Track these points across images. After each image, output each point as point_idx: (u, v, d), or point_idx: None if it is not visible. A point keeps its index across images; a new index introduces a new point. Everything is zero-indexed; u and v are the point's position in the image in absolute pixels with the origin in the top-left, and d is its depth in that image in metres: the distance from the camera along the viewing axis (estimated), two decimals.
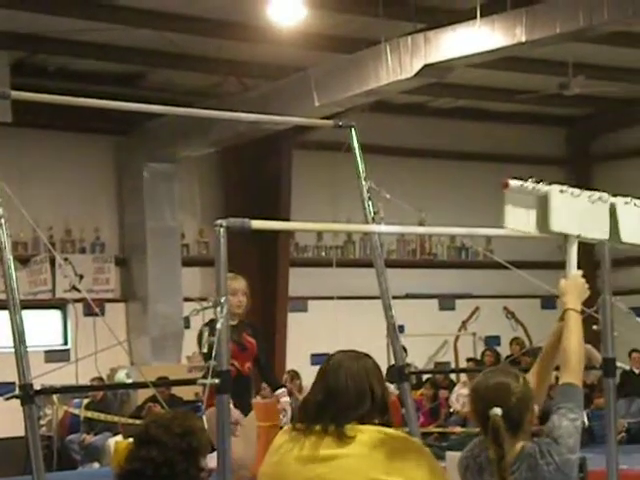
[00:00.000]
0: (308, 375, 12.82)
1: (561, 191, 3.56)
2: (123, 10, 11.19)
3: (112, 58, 12.71)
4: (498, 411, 2.98)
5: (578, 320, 3.33)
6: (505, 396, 3.06)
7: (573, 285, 3.45)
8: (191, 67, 13.04)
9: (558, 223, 3.55)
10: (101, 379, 12.68)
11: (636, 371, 13.80)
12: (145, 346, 13.93)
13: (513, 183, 3.51)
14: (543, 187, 3.57)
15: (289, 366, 14.66)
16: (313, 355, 14.40)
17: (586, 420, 11.78)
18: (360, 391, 2.80)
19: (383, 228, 6.19)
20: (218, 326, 4.27)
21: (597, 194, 3.66)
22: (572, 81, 12.83)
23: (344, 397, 2.79)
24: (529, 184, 3.52)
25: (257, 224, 4.63)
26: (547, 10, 10.29)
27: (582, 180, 17.03)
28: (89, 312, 12.18)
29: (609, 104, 16.13)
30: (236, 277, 6.40)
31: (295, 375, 13.40)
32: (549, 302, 14.96)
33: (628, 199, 3.70)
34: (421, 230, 5.52)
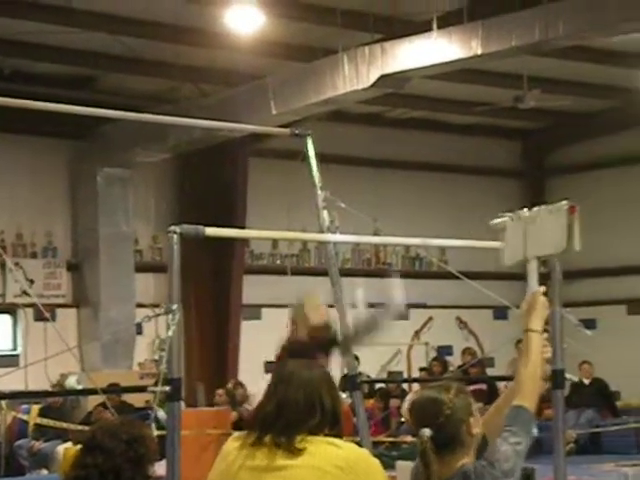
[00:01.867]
0: (261, 383, 12.80)
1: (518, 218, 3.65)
2: (79, 13, 11.10)
3: (68, 61, 12.60)
4: (426, 432, 3.01)
5: (538, 341, 3.30)
6: (434, 414, 3.06)
7: (533, 304, 3.41)
8: (148, 72, 12.98)
9: (510, 257, 3.74)
10: (61, 386, 12.56)
11: (586, 382, 13.95)
12: (96, 352, 13.80)
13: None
14: (502, 220, 3.67)
15: (242, 374, 14.62)
16: (267, 363, 14.37)
17: (536, 431, 11.86)
18: (310, 403, 2.79)
19: (337, 237, 6.20)
20: (169, 333, 4.24)
21: (551, 207, 3.69)
22: (527, 94, 12.95)
23: (294, 409, 2.79)
24: (499, 219, 3.64)
25: (211, 231, 4.61)
26: (503, 23, 10.39)
27: (536, 193, 17.24)
28: (40, 317, 12.07)
29: (564, 118, 16.32)
30: None
31: (238, 384, 13.37)
32: (501, 312, 15.09)
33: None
34: (375, 240, 5.53)
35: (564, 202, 3.66)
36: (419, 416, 3.10)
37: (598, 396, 13.99)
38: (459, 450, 3.05)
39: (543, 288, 3.47)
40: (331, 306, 6.40)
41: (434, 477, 2.95)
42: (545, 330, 3.51)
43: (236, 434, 2.94)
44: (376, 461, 2.82)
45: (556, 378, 5.45)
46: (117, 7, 11.18)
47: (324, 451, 2.76)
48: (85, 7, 11.05)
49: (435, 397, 3.10)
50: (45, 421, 12.42)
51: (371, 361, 14.62)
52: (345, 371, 6.40)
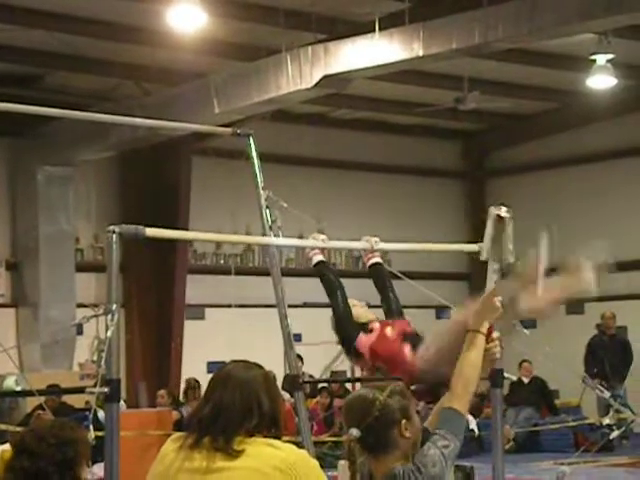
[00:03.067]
0: (204, 382, 12.74)
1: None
2: (18, 10, 10.96)
3: (8, 59, 12.43)
4: (354, 432, 3.02)
5: (476, 342, 3.28)
6: (363, 415, 3.06)
7: (481, 304, 3.40)
8: (89, 70, 12.86)
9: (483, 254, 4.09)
10: None
11: (525, 380, 14.13)
12: (35, 352, 13.63)
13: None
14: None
15: (185, 373, 14.55)
16: (209, 363, 14.32)
17: (476, 429, 12.00)
18: (247, 405, 2.79)
19: (280, 241, 6.19)
20: (108, 334, 4.21)
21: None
22: (468, 96, 13.09)
23: (231, 411, 2.78)
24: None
25: (151, 232, 4.58)
26: (444, 25, 10.49)
27: (477, 194, 17.43)
28: None
29: (504, 119, 16.52)
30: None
31: (195, 384, 13.23)
32: (444, 312, 15.21)
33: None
34: (319, 244, 5.51)
35: (493, 210, 3.71)
36: (349, 416, 3.11)
37: (537, 394, 14.18)
38: (391, 452, 3.06)
39: (494, 287, 3.47)
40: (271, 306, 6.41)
41: (357, 474, 2.98)
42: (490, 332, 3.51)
43: (174, 435, 2.93)
44: (315, 462, 2.82)
45: (495, 377, 5.52)
46: (56, 4, 11.05)
47: (263, 452, 2.76)
48: (24, 4, 10.90)
49: (365, 397, 3.10)
50: None
51: (314, 360, 14.66)
52: (287, 371, 6.42)
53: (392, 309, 5.06)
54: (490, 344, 3.38)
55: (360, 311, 5.01)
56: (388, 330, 4.76)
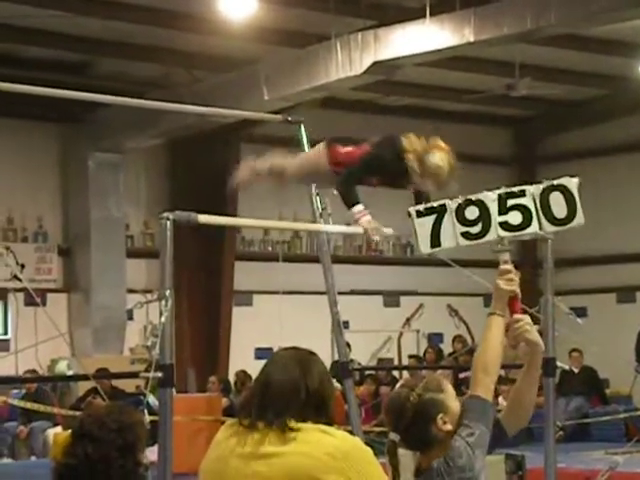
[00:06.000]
0: (252, 369, 12.80)
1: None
2: None
3: (60, 46, 12.54)
4: (393, 437, 3.05)
5: (494, 326, 3.23)
6: (398, 418, 3.10)
7: (495, 287, 3.34)
8: (141, 57, 12.93)
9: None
10: (35, 371, 12.53)
11: (575, 370, 14.00)
12: (87, 337, 13.80)
13: None
14: None
15: (232, 360, 14.63)
16: (257, 349, 14.39)
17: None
18: (293, 383, 2.80)
19: (332, 227, 6.18)
20: (162, 319, 4.24)
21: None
22: (519, 82, 12.96)
23: (278, 389, 2.80)
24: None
25: (204, 218, 4.60)
26: (495, 11, 10.39)
27: (527, 181, 17.19)
28: (30, 302, 12.05)
29: (555, 106, 16.33)
30: None
31: (244, 377, 13.28)
32: (491, 300, 15.12)
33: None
34: (361, 230, 5.47)
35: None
36: (387, 419, 3.17)
37: (587, 384, 14.05)
38: (434, 447, 3.07)
39: (507, 267, 3.31)
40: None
41: (399, 477, 3.01)
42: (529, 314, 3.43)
43: (228, 422, 2.94)
44: (369, 449, 2.81)
45: (547, 366, 5.48)
46: None
47: (316, 439, 2.75)
48: None
49: (397, 399, 3.13)
50: (36, 406, 12.40)
51: (362, 348, 14.66)
52: (335, 358, 6.41)
53: None
54: (516, 323, 3.29)
55: None
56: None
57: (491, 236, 3.38)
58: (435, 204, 3.45)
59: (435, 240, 3.45)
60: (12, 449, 12.71)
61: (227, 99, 11.61)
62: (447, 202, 3.43)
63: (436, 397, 3.10)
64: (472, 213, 3.39)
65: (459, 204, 3.41)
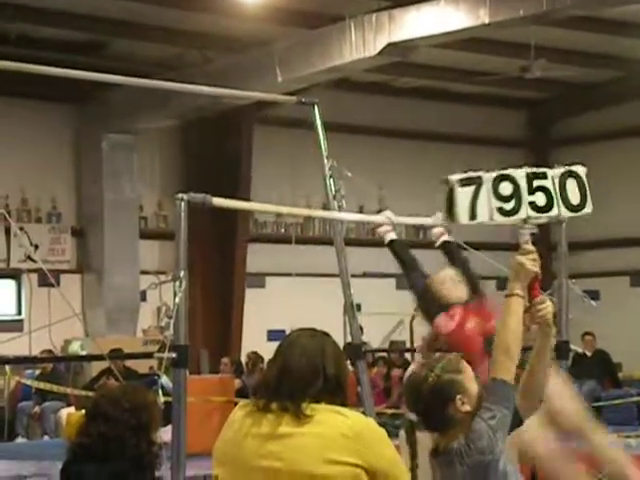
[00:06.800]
0: (264, 351, 12.82)
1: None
2: None
3: (73, 26, 12.53)
4: (411, 417, 3.05)
5: (513, 307, 3.22)
6: (416, 399, 3.12)
7: (512, 268, 3.33)
8: (152, 38, 12.91)
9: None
10: (51, 351, 12.58)
11: (588, 353, 13.97)
12: (100, 318, 13.85)
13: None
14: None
15: (245, 341, 14.66)
16: (270, 331, 14.40)
17: None
18: (312, 369, 2.80)
19: (343, 215, 6.17)
20: (176, 300, 4.24)
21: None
22: (534, 64, 12.88)
23: (297, 375, 2.80)
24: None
25: (218, 201, 4.61)
26: None
27: (541, 163, 17.12)
28: (44, 282, 12.08)
29: (570, 88, 16.24)
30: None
31: (256, 358, 13.29)
32: (504, 283, 15.07)
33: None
34: (380, 219, 5.48)
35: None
36: (406, 399, 3.19)
37: (600, 367, 14.01)
38: (453, 427, 3.07)
39: (520, 251, 3.30)
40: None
41: (417, 455, 3.02)
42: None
43: (243, 402, 2.95)
44: (382, 430, 2.82)
45: (561, 349, 5.47)
46: None
47: (330, 419, 2.76)
48: None
49: (416, 379, 3.14)
50: (49, 386, 12.47)
51: (374, 331, 14.66)
52: (348, 340, 6.42)
53: (471, 284, 5.00)
54: (541, 304, 3.28)
55: (446, 291, 4.95)
56: (468, 324, 4.72)
57: (522, 215, 3.34)
58: (473, 174, 3.39)
59: (472, 212, 3.38)
60: (27, 429, 12.79)
61: (240, 80, 11.58)
62: (482, 174, 3.38)
63: (455, 378, 3.11)
64: (505, 189, 3.35)
65: (494, 177, 3.35)
